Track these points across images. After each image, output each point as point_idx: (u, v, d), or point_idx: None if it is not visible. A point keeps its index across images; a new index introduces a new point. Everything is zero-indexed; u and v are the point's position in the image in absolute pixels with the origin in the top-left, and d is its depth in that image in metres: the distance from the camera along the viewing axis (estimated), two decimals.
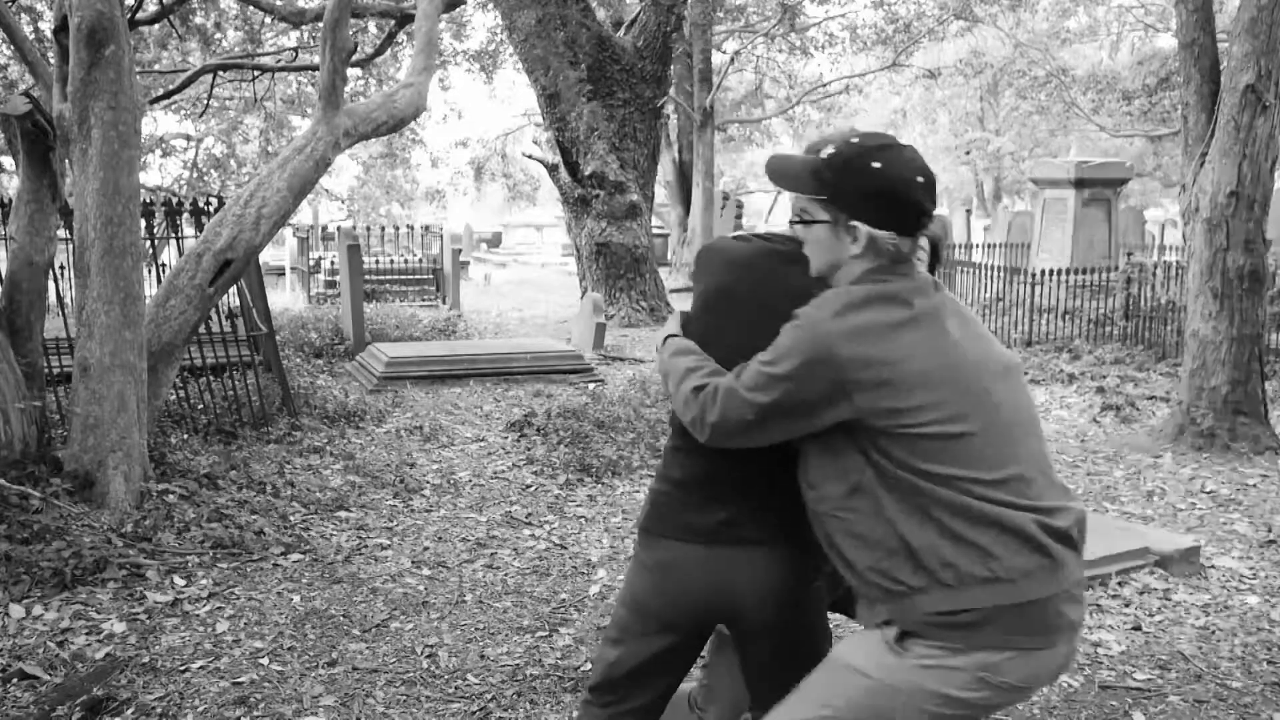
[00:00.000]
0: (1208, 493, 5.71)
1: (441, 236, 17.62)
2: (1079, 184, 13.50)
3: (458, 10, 14.20)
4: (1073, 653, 1.78)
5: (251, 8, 12.37)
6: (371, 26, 13.48)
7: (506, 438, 6.89)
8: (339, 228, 17.69)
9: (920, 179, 1.78)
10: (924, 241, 1.85)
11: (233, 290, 6.47)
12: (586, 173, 12.69)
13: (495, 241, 31.31)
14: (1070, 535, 1.73)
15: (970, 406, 1.70)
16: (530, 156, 13.94)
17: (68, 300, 6.75)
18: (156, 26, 12.22)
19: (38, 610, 3.83)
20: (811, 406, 1.75)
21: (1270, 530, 5.03)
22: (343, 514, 5.18)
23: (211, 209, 6.82)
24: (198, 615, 3.90)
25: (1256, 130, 6.29)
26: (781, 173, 1.92)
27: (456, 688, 3.38)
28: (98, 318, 4.85)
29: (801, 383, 1.74)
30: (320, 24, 6.92)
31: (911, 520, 1.70)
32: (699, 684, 2.66)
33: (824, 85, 20.96)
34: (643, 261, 12.98)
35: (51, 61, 5.47)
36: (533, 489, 5.73)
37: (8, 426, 4.85)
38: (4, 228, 5.71)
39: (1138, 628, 3.87)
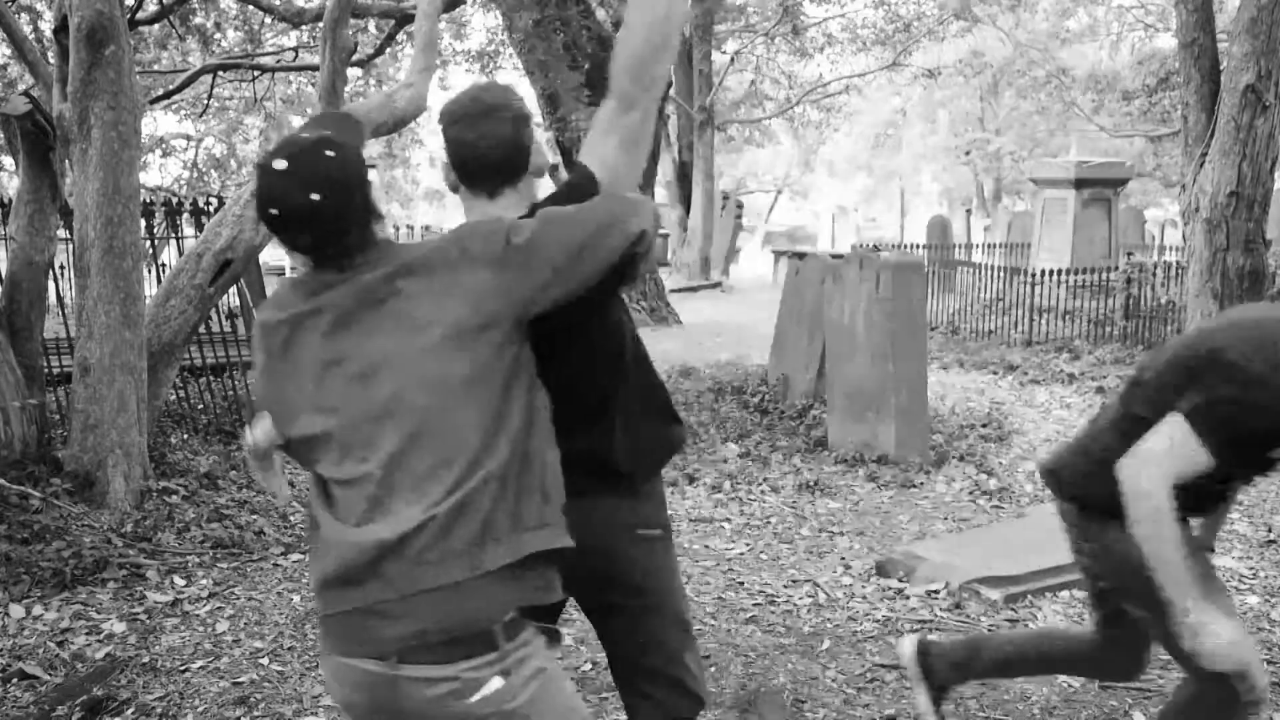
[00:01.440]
0: None
1: None
2: (1079, 184, 13.49)
3: (458, 10, 14.19)
4: (404, 684, 1.61)
5: (251, 8, 12.37)
6: (371, 26, 13.46)
7: None
8: None
9: (271, 212, 1.67)
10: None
11: (233, 290, 6.47)
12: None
13: None
14: (392, 550, 1.61)
15: (319, 404, 1.70)
16: None
17: (68, 300, 6.74)
18: (156, 26, 12.21)
19: (38, 610, 3.82)
20: None
21: (1270, 530, 5.03)
22: None
23: (211, 209, 6.81)
24: (198, 615, 3.90)
25: (1256, 130, 6.29)
26: None
27: None
28: (98, 318, 4.85)
29: None
30: (320, 24, 6.91)
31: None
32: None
33: (824, 85, 20.96)
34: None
35: (51, 61, 5.47)
36: None
37: (8, 426, 4.85)
38: (4, 228, 5.71)
39: None
